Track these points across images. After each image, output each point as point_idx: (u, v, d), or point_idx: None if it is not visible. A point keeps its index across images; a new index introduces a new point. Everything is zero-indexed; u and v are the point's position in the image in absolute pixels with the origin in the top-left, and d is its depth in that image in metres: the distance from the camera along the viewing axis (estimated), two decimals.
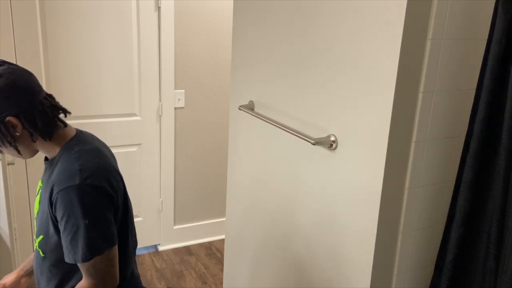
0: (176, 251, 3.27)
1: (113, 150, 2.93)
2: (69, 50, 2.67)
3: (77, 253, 1.15)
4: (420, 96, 1.22)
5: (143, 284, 2.84)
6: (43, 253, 1.27)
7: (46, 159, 1.30)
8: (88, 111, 2.81)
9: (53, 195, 1.16)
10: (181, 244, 3.34)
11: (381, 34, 1.21)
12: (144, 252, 3.23)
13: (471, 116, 1.18)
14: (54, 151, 1.25)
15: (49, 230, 1.22)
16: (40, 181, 1.32)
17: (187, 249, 3.30)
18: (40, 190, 1.30)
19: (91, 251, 1.15)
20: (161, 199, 3.18)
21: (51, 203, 1.18)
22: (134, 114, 2.95)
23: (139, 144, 3.02)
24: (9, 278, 1.45)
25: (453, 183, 1.36)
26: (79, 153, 1.21)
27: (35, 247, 1.31)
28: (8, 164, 2.47)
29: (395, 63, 1.18)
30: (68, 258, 1.17)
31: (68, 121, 2.76)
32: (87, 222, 1.13)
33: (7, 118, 1.14)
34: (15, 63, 1.46)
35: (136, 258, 3.15)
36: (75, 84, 2.73)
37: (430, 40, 1.19)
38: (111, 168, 1.24)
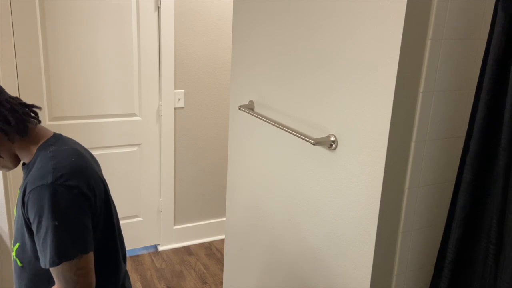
0: (176, 251, 3.27)
1: (113, 150, 2.94)
2: (69, 50, 2.67)
3: (46, 256, 1.08)
4: (420, 96, 1.22)
5: (143, 284, 2.84)
6: (20, 262, 1.20)
7: (23, 164, 1.24)
8: (88, 111, 2.81)
9: (26, 195, 1.10)
10: (181, 244, 3.34)
11: (381, 34, 1.21)
12: (144, 252, 3.23)
13: (471, 116, 1.18)
14: (31, 153, 1.20)
15: (25, 235, 1.16)
16: (18, 191, 1.26)
17: (187, 249, 3.30)
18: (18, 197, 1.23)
19: (59, 256, 1.07)
20: (161, 199, 3.18)
21: (23, 204, 1.12)
22: (134, 114, 2.95)
23: (139, 144, 3.02)
24: None
25: (453, 183, 1.36)
26: (54, 153, 1.15)
27: (12, 257, 1.23)
28: None
29: (395, 63, 1.18)
30: (42, 263, 1.10)
31: (69, 121, 2.77)
32: (56, 223, 1.06)
33: None
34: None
35: (136, 258, 3.15)
36: (75, 84, 2.73)
37: (430, 40, 1.19)
38: (90, 169, 1.17)
